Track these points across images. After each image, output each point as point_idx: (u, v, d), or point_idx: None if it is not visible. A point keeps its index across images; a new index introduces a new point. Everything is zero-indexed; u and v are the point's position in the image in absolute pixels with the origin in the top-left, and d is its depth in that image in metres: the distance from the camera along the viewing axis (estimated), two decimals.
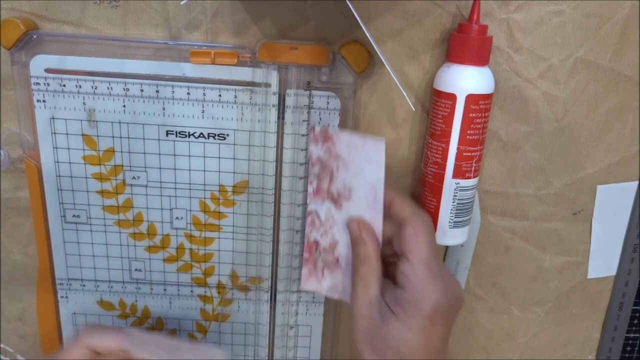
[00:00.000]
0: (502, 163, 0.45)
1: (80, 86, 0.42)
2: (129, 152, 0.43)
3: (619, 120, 0.44)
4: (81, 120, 0.42)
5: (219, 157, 0.44)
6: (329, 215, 0.42)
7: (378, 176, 0.38)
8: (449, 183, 0.41)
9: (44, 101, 0.42)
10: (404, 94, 0.37)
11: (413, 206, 0.39)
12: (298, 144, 0.43)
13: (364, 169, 0.39)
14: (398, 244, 0.39)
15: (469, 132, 0.39)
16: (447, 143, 0.40)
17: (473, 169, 0.41)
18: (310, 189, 0.42)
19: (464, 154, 0.40)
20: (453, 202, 0.41)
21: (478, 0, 0.38)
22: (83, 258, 0.46)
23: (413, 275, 0.36)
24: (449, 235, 0.42)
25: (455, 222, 0.42)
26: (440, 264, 0.38)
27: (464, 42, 0.38)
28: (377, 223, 0.39)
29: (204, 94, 0.42)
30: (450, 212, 0.41)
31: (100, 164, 0.44)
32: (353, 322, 0.38)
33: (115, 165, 0.44)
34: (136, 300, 0.48)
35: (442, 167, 0.40)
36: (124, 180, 0.44)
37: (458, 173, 0.40)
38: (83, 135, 0.43)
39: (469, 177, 0.41)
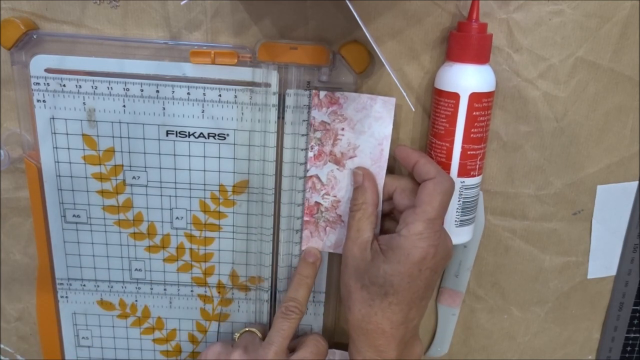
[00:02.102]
0: (502, 163, 0.45)
1: (80, 86, 0.42)
2: (129, 152, 0.43)
3: (619, 120, 0.44)
4: (81, 120, 0.42)
5: (219, 157, 0.44)
6: (331, 177, 0.43)
7: (386, 133, 0.41)
8: (454, 182, 0.41)
9: (44, 101, 0.42)
10: (404, 94, 0.37)
11: (439, 167, 0.40)
12: (298, 144, 0.43)
13: (372, 126, 0.41)
14: (400, 199, 0.41)
15: (473, 130, 0.39)
16: (452, 142, 0.40)
17: (477, 166, 0.41)
18: (310, 154, 0.43)
19: (469, 152, 0.40)
20: (459, 201, 0.41)
21: None
22: (83, 258, 0.46)
23: (413, 225, 0.38)
24: (455, 234, 0.42)
25: (461, 220, 0.42)
26: (442, 224, 0.40)
27: (465, 41, 0.39)
28: (379, 178, 0.42)
29: (204, 94, 0.42)
30: (456, 211, 0.41)
31: (100, 164, 0.44)
32: (343, 261, 0.41)
33: (115, 165, 0.44)
34: (136, 300, 0.48)
35: (447, 166, 0.40)
36: (124, 180, 0.44)
37: (463, 171, 0.40)
38: (83, 135, 0.43)
39: (473, 175, 0.41)
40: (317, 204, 0.43)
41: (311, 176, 0.43)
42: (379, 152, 0.41)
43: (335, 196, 0.43)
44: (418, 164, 0.40)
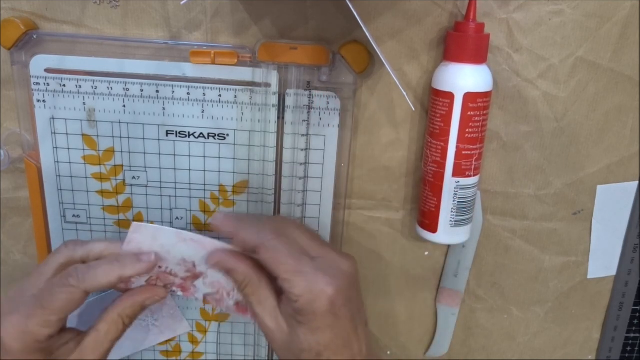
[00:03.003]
0: (502, 163, 0.45)
1: (80, 86, 0.42)
2: (129, 152, 0.43)
3: (619, 120, 0.44)
4: (81, 120, 0.42)
5: (219, 157, 0.44)
6: (207, 287, 0.41)
7: (173, 235, 0.39)
8: (449, 182, 0.41)
9: (44, 101, 0.42)
10: (404, 94, 0.37)
11: (255, 230, 0.38)
12: (298, 144, 0.43)
13: (160, 240, 0.39)
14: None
15: (467, 130, 0.39)
16: (446, 142, 0.40)
17: (473, 167, 0.41)
18: (178, 294, 0.41)
19: (464, 152, 0.40)
20: (454, 201, 0.41)
21: None
22: None
23: (293, 289, 0.36)
24: (451, 234, 0.42)
25: (456, 220, 0.42)
26: (314, 258, 0.37)
27: (461, 41, 0.39)
28: (221, 246, 0.39)
29: (204, 94, 0.42)
30: (451, 211, 0.41)
31: (100, 164, 0.44)
32: (267, 339, 0.39)
33: (115, 165, 0.44)
34: None
35: (442, 165, 0.40)
36: (124, 180, 0.44)
37: (458, 171, 0.40)
38: (83, 135, 0.43)
39: (469, 176, 0.41)
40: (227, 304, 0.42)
41: (204, 297, 0.42)
42: (191, 239, 0.39)
43: (225, 290, 0.41)
44: (236, 239, 0.38)
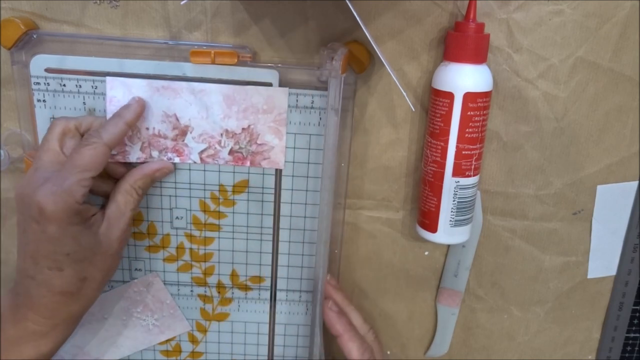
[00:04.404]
0: (502, 163, 0.45)
1: (80, 86, 0.42)
2: None
3: (619, 120, 0.44)
4: None
5: None
6: (192, 145, 0.42)
7: (144, 84, 0.41)
8: (449, 181, 0.41)
9: (44, 101, 0.42)
10: (404, 94, 0.37)
11: (361, 344, 0.43)
12: (298, 144, 0.43)
13: (135, 93, 0.41)
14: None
15: (467, 130, 0.39)
16: (446, 142, 0.40)
17: (473, 167, 0.41)
18: (175, 162, 0.43)
19: (463, 152, 0.40)
20: (454, 201, 0.41)
21: None
22: None
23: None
24: (451, 234, 0.42)
25: (456, 220, 0.42)
26: None
27: (461, 41, 0.39)
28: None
29: None
30: (451, 211, 0.41)
31: None
32: None
33: None
34: None
35: (442, 165, 0.40)
36: None
37: (458, 171, 0.40)
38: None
39: (468, 176, 0.41)
40: None
41: (201, 160, 0.43)
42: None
43: (215, 141, 0.42)
44: (341, 340, 0.43)
